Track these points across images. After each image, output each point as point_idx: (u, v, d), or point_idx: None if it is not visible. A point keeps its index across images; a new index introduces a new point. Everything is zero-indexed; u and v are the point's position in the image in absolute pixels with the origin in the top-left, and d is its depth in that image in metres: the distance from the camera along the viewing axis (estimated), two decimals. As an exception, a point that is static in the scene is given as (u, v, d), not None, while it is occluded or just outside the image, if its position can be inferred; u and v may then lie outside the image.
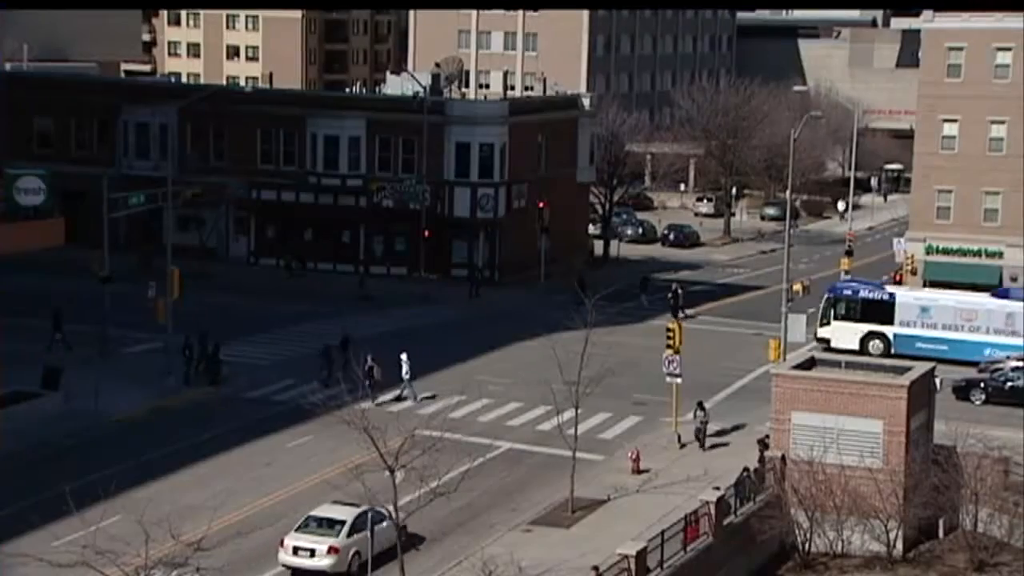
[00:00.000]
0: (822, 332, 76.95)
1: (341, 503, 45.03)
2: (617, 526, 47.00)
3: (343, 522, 43.84)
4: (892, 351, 74.58)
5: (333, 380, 56.86)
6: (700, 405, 56.88)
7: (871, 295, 76.97)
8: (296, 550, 43.30)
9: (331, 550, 43.12)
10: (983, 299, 75.31)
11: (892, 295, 76.78)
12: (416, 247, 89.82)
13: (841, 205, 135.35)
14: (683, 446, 57.15)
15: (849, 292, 77.49)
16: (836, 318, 76.82)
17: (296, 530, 43.95)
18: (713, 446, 56.30)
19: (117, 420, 57.95)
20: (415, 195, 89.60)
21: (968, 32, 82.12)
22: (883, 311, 75.86)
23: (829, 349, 73.89)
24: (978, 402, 65.15)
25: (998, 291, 77.41)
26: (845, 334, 76.08)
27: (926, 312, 75.06)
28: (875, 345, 75.91)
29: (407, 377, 62.31)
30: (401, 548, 40.59)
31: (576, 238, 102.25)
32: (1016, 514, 49.48)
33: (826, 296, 77.58)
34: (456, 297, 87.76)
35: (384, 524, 42.61)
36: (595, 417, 60.39)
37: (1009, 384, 65.93)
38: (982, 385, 66.14)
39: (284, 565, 43.70)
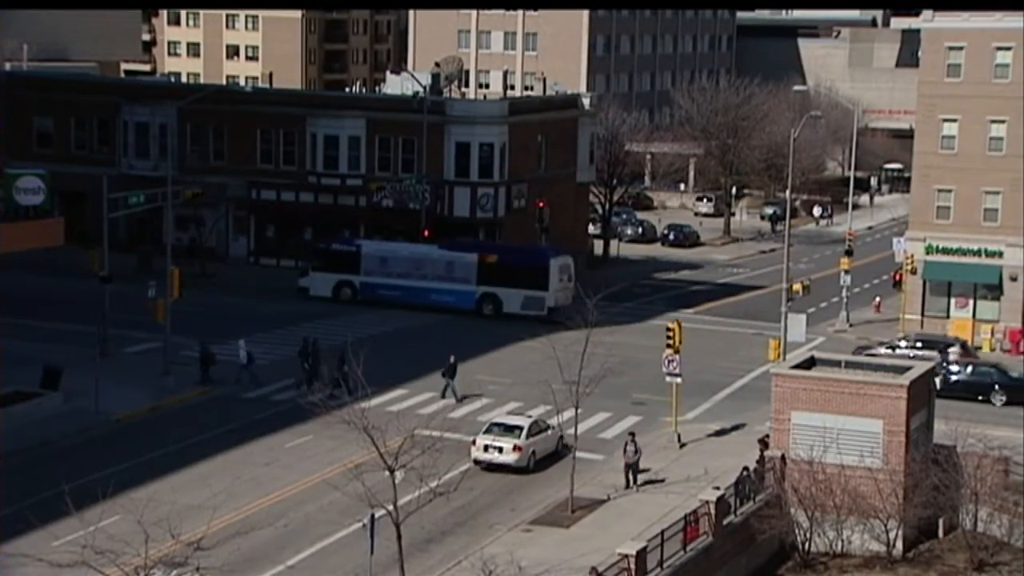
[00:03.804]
0: (302, 282, 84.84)
1: (515, 413, 56.91)
2: (617, 526, 47.04)
3: (521, 427, 53.87)
4: (358, 297, 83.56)
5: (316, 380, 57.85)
6: (632, 438, 52.46)
7: (342, 247, 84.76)
8: (487, 447, 53.28)
9: (515, 448, 53.26)
10: (430, 249, 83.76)
11: (359, 246, 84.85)
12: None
13: (817, 211, 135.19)
14: (683, 446, 57.17)
15: (325, 245, 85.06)
16: (315, 269, 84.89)
17: (483, 433, 53.86)
18: (646, 482, 52.02)
19: (117, 420, 57.98)
20: (415, 195, 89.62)
21: (968, 32, 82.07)
22: (351, 261, 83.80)
23: (309, 298, 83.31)
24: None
25: (444, 244, 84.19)
26: (321, 283, 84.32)
27: (386, 262, 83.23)
28: (345, 292, 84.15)
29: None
30: (401, 548, 40.57)
31: (576, 238, 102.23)
32: (1016, 514, 49.46)
33: (307, 250, 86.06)
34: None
35: (549, 432, 54.59)
36: (595, 417, 60.42)
37: (953, 378, 67.30)
38: None
39: (476, 460, 53.12)
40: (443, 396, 62.75)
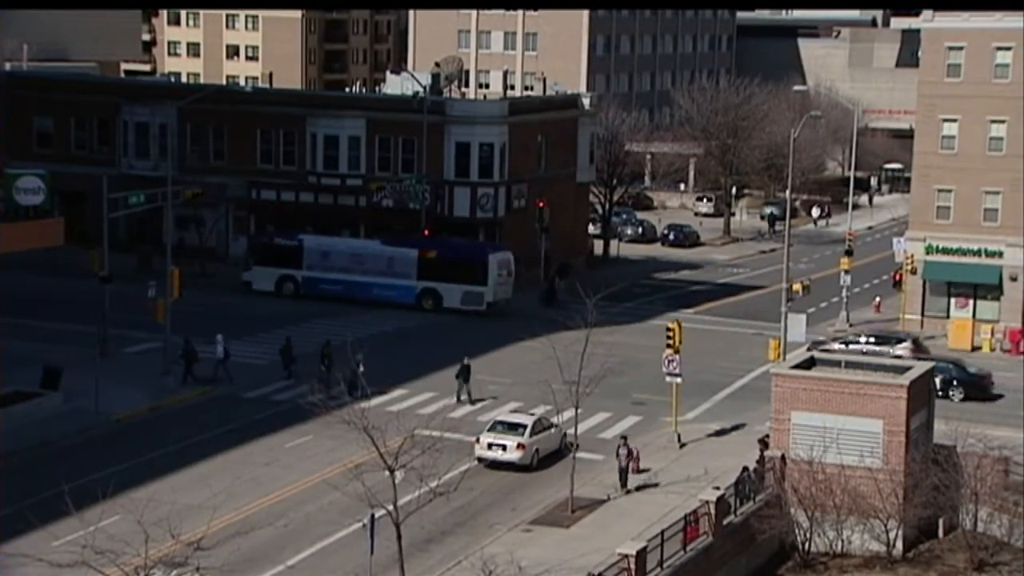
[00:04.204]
0: (245, 276, 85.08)
1: (518, 411, 57.04)
2: (617, 526, 47.04)
3: (525, 425, 54.16)
4: (300, 292, 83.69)
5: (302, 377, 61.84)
6: (624, 441, 52.54)
7: (284, 241, 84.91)
8: (491, 445, 53.54)
9: (519, 446, 53.43)
10: (372, 244, 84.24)
11: (301, 241, 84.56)
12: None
13: (816, 211, 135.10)
14: (683, 446, 57.17)
15: (267, 240, 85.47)
16: (257, 263, 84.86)
17: (487, 431, 54.15)
18: (640, 487, 51.68)
19: (117, 420, 57.98)
20: (415, 195, 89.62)
21: (968, 32, 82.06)
22: (294, 256, 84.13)
23: (252, 292, 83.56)
24: None
25: (385, 239, 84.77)
26: (264, 278, 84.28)
27: (327, 257, 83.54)
28: (287, 287, 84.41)
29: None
30: (401, 548, 40.57)
31: (576, 238, 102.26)
32: (1016, 514, 49.46)
33: (248, 244, 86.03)
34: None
35: (552, 430, 54.73)
36: (595, 417, 60.42)
37: None
38: None
39: (479, 458, 53.36)
40: (458, 400, 62.54)
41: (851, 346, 72.01)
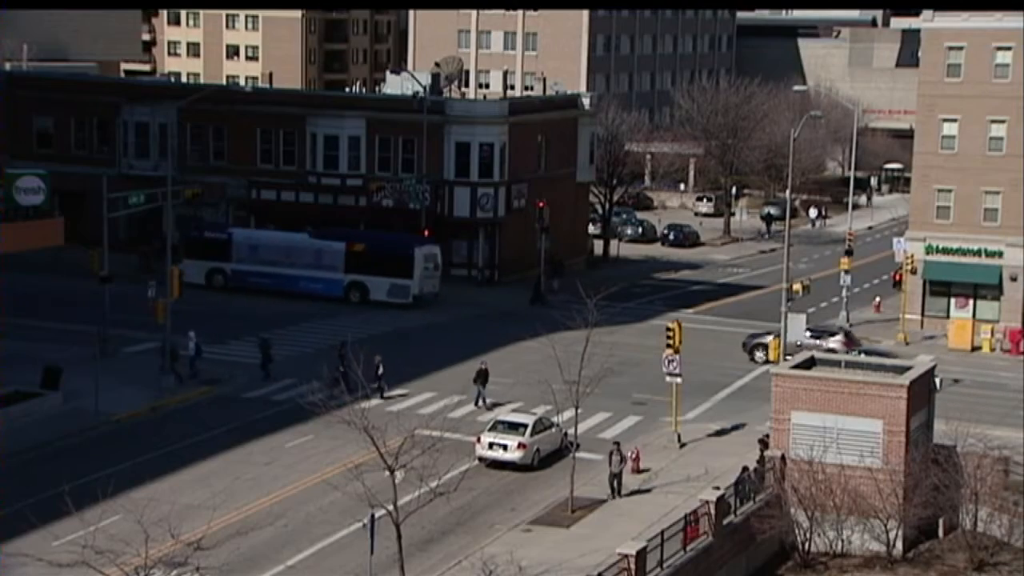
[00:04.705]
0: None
1: (518, 411, 57.02)
2: (617, 526, 47.03)
3: (525, 425, 54.12)
4: (229, 285, 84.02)
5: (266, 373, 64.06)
6: (617, 447, 51.02)
7: (213, 235, 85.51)
8: (491, 445, 53.51)
9: (520, 446, 53.39)
10: (300, 238, 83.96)
11: (230, 234, 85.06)
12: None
13: (812, 212, 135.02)
14: (683, 445, 57.16)
15: (197, 233, 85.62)
16: (188, 256, 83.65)
17: (488, 431, 54.04)
18: (633, 492, 50.86)
19: (117, 420, 57.96)
20: (415, 195, 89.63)
21: (968, 32, 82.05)
22: (223, 249, 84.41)
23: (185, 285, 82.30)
24: (762, 361, 70.80)
25: (313, 232, 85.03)
26: (194, 270, 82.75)
27: (256, 250, 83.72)
28: (217, 279, 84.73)
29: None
30: (401, 548, 40.57)
31: (576, 238, 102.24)
32: (1016, 514, 49.47)
33: (180, 238, 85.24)
34: (455, 297, 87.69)
35: (552, 430, 54.69)
36: (595, 417, 60.42)
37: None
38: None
39: (480, 458, 53.33)
40: (476, 404, 62.31)
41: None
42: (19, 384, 58.38)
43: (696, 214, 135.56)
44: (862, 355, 66.63)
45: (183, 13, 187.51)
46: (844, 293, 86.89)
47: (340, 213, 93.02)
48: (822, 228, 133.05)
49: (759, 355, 73.08)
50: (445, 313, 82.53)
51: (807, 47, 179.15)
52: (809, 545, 49.37)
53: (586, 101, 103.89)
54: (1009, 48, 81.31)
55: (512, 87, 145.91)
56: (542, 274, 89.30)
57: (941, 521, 50.72)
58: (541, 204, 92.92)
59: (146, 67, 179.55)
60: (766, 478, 50.33)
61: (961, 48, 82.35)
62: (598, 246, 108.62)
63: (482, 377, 62.30)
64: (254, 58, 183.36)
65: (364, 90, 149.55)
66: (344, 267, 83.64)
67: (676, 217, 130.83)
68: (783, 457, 50.64)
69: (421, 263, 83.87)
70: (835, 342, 73.29)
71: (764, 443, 52.17)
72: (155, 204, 72.50)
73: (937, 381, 55.83)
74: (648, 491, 51.35)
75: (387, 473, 40.04)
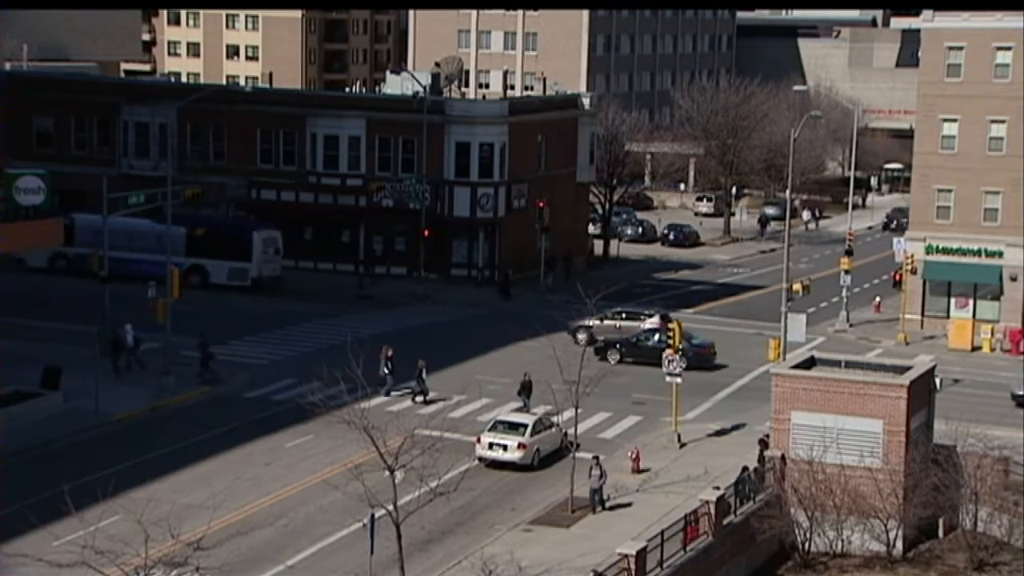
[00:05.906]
0: (18, 253, 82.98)
1: (518, 411, 56.74)
2: (617, 526, 47.03)
3: (526, 425, 54.14)
4: (72, 268, 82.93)
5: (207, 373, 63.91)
6: (597, 461, 49.84)
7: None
8: (492, 445, 53.56)
9: (520, 446, 53.43)
10: (142, 223, 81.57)
11: (72, 219, 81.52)
12: (416, 247, 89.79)
13: (806, 215, 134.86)
14: (683, 445, 57.17)
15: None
16: None
17: (488, 431, 54.06)
18: (615, 506, 49.64)
19: (117, 420, 57.96)
20: (415, 195, 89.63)
21: (968, 32, 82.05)
22: (66, 234, 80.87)
23: (29, 270, 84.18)
24: (614, 361, 70.51)
25: (156, 217, 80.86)
26: (37, 255, 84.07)
27: (99, 235, 79.88)
28: (60, 263, 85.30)
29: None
30: (401, 548, 40.57)
31: (576, 238, 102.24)
32: (1016, 514, 49.47)
33: None
34: (455, 297, 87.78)
35: (552, 430, 54.72)
36: (595, 417, 60.42)
37: (644, 344, 71.68)
38: (618, 345, 72.01)
39: (480, 458, 53.32)
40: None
41: (605, 322, 74.57)
42: (19, 384, 58.37)
43: (696, 214, 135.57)
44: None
45: (183, 13, 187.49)
46: (844, 293, 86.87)
47: (340, 213, 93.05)
48: (815, 230, 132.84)
49: (580, 336, 71.22)
50: (445, 313, 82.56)
51: (807, 47, 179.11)
52: (809, 545, 49.37)
53: (586, 101, 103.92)
54: (1009, 48, 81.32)
55: (512, 87, 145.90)
56: (509, 270, 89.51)
57: (941, 521, 50.73)
58: (541, 204, 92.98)
59: (146, 67, 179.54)
60: (766, 478, 50.33)
61: (961, 48, 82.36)
62: (598, 246, 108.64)
63: (526, 390, 60.25)
64: (254, 58, 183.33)
65: (364, 90, 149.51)
66: (185, 251, 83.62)
67: (676, 217, 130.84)
68: (783, 457, 50.65)
69: (260, 246, 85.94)
70: (651, 323, 75.53)
71: (764, 443, 52.17)
72: (155, 204, 72.46)
73: (937, 381, 55.83)
74: (648, 490, 51.32)
75: (387, 473, 40.04)
